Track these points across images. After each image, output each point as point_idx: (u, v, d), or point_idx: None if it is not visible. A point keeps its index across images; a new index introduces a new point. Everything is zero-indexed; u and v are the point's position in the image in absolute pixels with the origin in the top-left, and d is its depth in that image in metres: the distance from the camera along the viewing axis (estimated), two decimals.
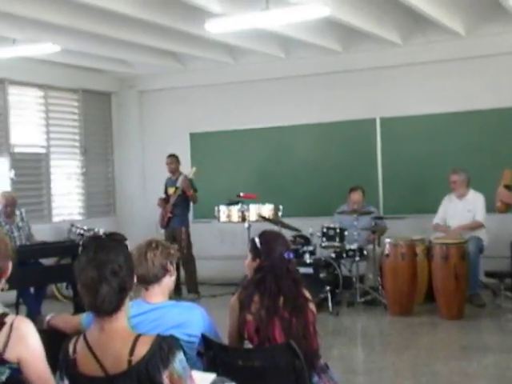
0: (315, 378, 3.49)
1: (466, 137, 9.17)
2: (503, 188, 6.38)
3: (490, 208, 8.00)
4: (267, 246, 3.62)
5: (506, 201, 6.41)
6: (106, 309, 2.38)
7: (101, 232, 8.94)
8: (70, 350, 2.47)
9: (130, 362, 2.34)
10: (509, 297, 7.90)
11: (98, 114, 11.17)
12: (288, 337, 3.37)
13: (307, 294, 3.57)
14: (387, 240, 7.90)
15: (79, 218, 10.55)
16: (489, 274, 8.07)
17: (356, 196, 8.73)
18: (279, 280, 3.49)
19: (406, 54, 9.39)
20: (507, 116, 8.94)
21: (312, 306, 3.56)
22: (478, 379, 5.53)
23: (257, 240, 3.63)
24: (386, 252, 7.77)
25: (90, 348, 2.41)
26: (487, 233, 8.19)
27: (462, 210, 8.28)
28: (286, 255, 3.57)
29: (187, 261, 9.13)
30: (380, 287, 8.15)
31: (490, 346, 6.60)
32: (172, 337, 2.53)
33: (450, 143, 9.21)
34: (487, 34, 8.86)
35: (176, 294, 8.74)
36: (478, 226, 8.17)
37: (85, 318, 3.15)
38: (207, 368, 3.24)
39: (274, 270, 3.52)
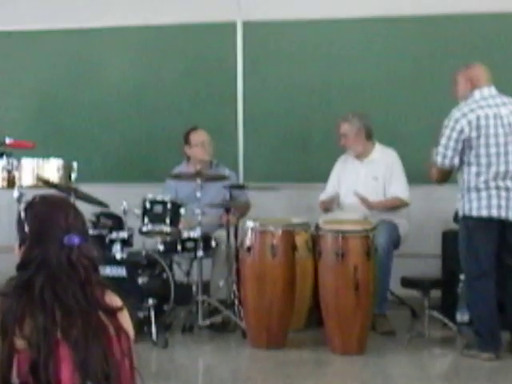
0: None
1: (375, 54, 5.36)
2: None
3: (411, 177, 4.96)
4: (38, 225, 1.95)
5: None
6: None
7: None
8: None
9: None
10: (436, 318, 4.66)
11: None
12: (84, 378, 1.88)
13: (117, 304, 1.94)
14: (249, 224, 4.79)
15: None
16: (407, 283, 4.90)
17: (199, 137, 5.24)
18: (57, 282, 1.89)
19: None
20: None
21: (128, 325, 2.01)
22: None
23: (23, 214, 1.97)
24: (248, 244, 4.76)
25: None
26: (407, 217, 4.94)
27: (364, 177, 5.03)
28: (67, 240, 1.89)
29: None
30: (236, 302, 5.04)
31: None
32: None
33: (348, 65, 5.44)
34: None
35: None
36: (399, 204, 4.95)
37: None
38: None
39: (49, 264, 1.89)
